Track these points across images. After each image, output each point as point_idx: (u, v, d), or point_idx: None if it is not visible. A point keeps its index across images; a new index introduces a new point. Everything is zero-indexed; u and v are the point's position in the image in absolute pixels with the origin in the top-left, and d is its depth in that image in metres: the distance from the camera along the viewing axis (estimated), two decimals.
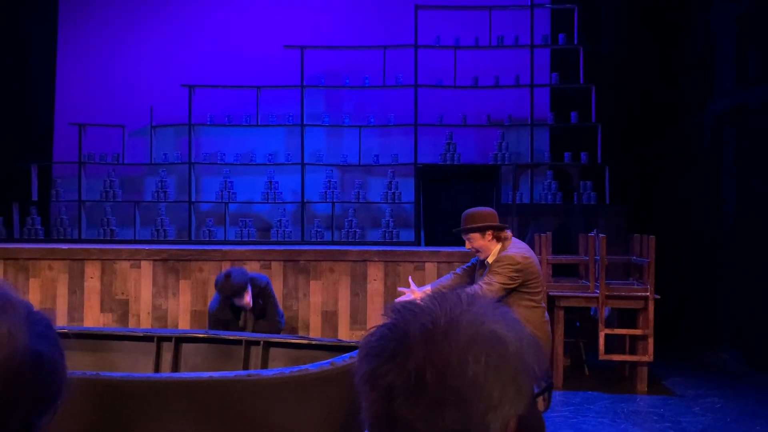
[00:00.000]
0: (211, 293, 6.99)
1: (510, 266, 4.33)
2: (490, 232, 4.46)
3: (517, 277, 4.33)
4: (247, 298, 5.58)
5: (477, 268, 4.69)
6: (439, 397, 0.86)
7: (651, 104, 9.67)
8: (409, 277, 5.01)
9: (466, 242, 4.50)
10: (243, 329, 5.69)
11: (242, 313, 5.75)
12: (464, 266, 4.90)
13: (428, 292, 4.84)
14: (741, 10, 8.13)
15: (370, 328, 0.95)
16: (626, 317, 7.09)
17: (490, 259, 4.48)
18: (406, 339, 0.88)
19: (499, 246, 4.48)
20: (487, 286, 4.33)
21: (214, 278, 5.94)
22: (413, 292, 4.84)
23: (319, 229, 9.75)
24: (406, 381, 0.86)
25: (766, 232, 7.54)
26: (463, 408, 0.86)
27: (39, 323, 0.95)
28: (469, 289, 4.35)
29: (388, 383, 0.87)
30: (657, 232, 7.45)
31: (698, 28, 9.25)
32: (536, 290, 4.44)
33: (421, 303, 0.93)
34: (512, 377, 0.88)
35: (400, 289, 4.98)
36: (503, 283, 4.33)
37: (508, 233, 4.53)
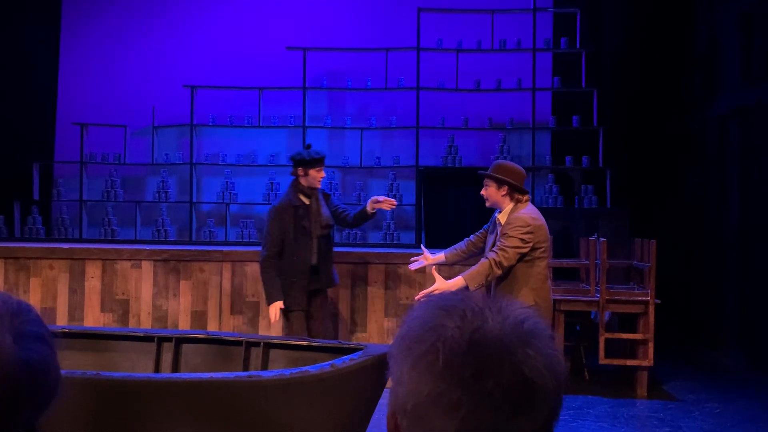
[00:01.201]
0: (212, 293, 7.00)
1: (520, 228, 4.34)
2: (505, 188, 4.49)
3: (529, 239, 4.34)
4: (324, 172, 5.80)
5: (489, 232, 4.70)
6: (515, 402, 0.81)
7: (654, 107, 9.66)
8: (422, 245, 5.01)
9: (483, 187, 4.61)
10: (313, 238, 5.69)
11: (310, 223, 5.80)
12: (477, 233, 4.91)
13: (442, 258, 4.86)
14: (744, 9, 8.12)
15: (414, 343, 0.84)
16: (627, 321, 7.08)
17: (501, 218, 4.50)
18: (484, 351, 0.82)
19: (510, 206, 4.50)
20: (502, 252, 4.33)
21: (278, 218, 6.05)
22: (426, 258, 4.84)
23: None
24: (492, 397, 0.80)
25: None
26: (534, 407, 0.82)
27: (24, 323, 0.92)
28: (483, 259, 4.37)
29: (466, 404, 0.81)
30: (660, 234, 7.45)
31: (701, 28, 9.24)
32: (543, 256, 4.44)
33: (453, 316, 0.85)
34: (560, 373, 0.84)
35: (412, 259, 4.96)
36: (516, 247, 4.33)
37: (526, 197, 4.55)
